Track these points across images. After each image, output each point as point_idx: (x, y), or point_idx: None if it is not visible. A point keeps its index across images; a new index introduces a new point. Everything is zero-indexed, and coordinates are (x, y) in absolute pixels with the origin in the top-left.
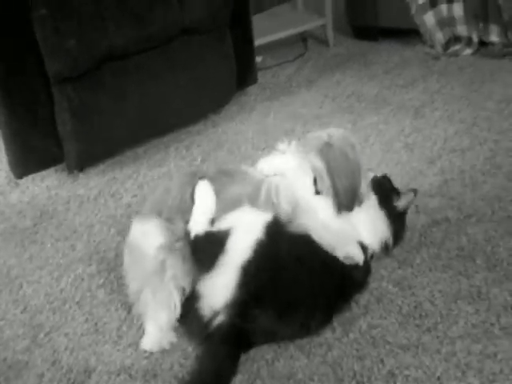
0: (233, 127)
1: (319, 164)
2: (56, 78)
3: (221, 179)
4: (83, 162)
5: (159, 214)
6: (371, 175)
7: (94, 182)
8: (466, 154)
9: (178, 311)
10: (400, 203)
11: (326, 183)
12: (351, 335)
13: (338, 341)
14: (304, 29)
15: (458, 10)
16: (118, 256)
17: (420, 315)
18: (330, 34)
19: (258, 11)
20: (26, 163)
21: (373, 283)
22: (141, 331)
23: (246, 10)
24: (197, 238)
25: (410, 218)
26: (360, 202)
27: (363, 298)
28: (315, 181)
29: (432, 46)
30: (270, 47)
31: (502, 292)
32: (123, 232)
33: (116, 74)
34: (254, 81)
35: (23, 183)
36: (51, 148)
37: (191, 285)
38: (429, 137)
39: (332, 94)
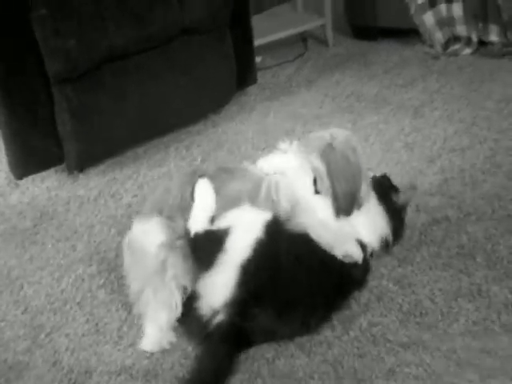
0: (233, 127)
1: (320, 165)
2: (56, 78)
3: (221, 177)
4: (83, 163)
5: (160, 213)
6: (371, 175)
7: (94, 182)
8: (465, 153)
9: (178, 311)
10: (399, 200)
11: (325, 184)
12: (351, 333)
13: (339, 339)
14: (304, 29)
15: (457, 9)
16: (119, 256)
17: (420, 313)
18: (330, 34)
19: (258, 11)
20: (26, 164)
21: (373, 281)
22: (141, 331)
23: (245, 10)
24: (196, 236)
25: (410, 216)
26: (359, 206)
27: (363, 296)
28: (315, 181)
29: (431, 46)
30: (269, 47)
31: (502, 290)
32: (124, 232)
33: (116, 74)
34: (254, 81)
35: (23, 184)
36: (51, 148)
37: (192, 283)
38: (428, 136)
39: (332, 94)
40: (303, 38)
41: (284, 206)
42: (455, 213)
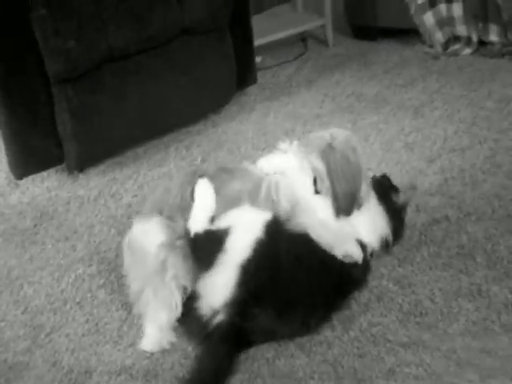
0: (233, 127)
1: (320, 165)
2: (56, 79)
3: (221, 177)
4: (83, 163)
5: (160, 213)
6: (370, 175)
7: (94, 182)
8: (465, 153)
9: (178, 311)
10: (399, 200)
11: (325, 184)
12: (351, 333)
13: (339, 339)
14: (304, 29)
15: (457, 9)
16: (119, 256)
17: (420, 313)
18: (330, 34)
19: (258, 11)
20: (26, 164)
21: (373, 281)
22: (141, 331)
23: (245, 10)
24: (196, 236)
25: (410, 216)
26: (359, 206)
27: (363, 296)
28: (315, 181)
29: (431, 46)
30: (269, 47)
31: (503, 290)
32: (124, 232)
33: (116, 74)
34: (254, 81)
35: (23, 184)
36: (51, 148)
37: (192, 283)
38: (428, 136)
39: (332, 94)
40: (303, 38)
41: (284, 206)
42: (455, 213)
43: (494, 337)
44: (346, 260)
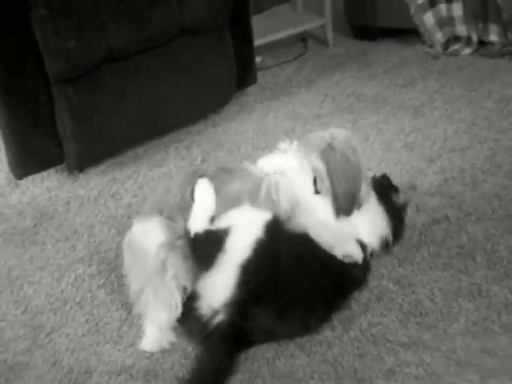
0: (233, 127)
1: (320, 165)
2: (56, 79)
3: (221, 177)
4: (83, 163)
5: (160, 213)
6: (371, 175)
7: (94, 182)
8: (465, 153)
9: (178, 311)
10: (399, 200)
11: (325, 184)
12: (351, 333)
13: (339, 339)
14: (304, 29)
15: (457, 9)
16: (119, 256)
17: (420, 313)
18: (330, 34)
19: (258, 11)
20: (26, 164)
21: (373, 281)
22: (141, 331)
23: (245, 10)
24: (196, 236)
25: (410, 216)
26: (359, 206)
27: (363, 296)
28: (315, 181)
29: (431, 46)
30: (269, 47)
31: (503, 289)
32: (124, 232)
33: (116, 74)
34: (254, 81)
35: (23, 184)
36: (51, 148)
37: (192, 283)
38: (428, 136)
39: (332, 94)
40: (303, 38)
41: (284, 205)
42: (455, 213)
43: (494, 337)
44: (346, 260)
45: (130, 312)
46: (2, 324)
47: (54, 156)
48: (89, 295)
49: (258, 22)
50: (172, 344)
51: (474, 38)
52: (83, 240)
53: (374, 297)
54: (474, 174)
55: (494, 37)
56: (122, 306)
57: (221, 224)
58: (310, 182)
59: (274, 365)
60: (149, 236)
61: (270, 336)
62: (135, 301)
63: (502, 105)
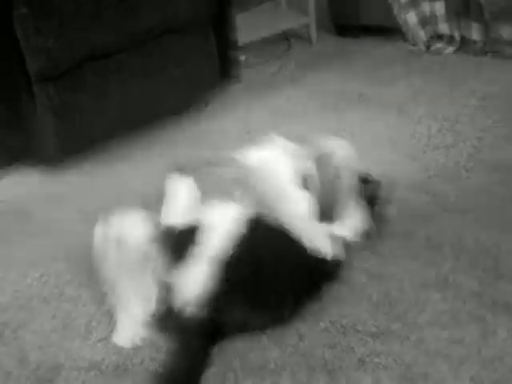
0: (216, 124)
1: (312, 171)
2: (37, 77)
3: (206, 168)
4: (63, 160)
5: (140, 207)
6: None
7: (71, 178)
8: (449, 150)
9: (154, 305)
10: (372, 192)
11: (315, 185)
12: (322, 324)
13: (310, 330)
14: (288, 27)
15: (439, 8)
16: (87, 252)
17: (389, 303)
18: (313, 32)
19: (242, 10)
20: (3, 160)
21: (343, 272)
22: (111, 326)
23: (229, 9)
24: (171, 229)
25: (383, 209)
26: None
27: (334, 287)
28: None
29: (414, 44)
30: (253, 46)
31: (469, 280)
32: (94, 228)
33: (97, 72)
34: (238, 80)
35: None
36: (29, 145)
37: (168, 277)
38: (412, 134)
39: (316, 92)
40: (287, 36)
41: (266, 196)
42: (437, 209)
43: (462, 326)
44: (319, 252)
45: (98, 307)
46: None
47: (32, 152)
48: (56, 291)
49: (242, 20)
50: (142, 339)
51: (457, 37)
52: (52, 236)
53: (344, 288)
54: (457, 171)
55: (476, 35)
56: (90, 300)
57: (195, 217)
58: (292, 175)
59: (246, 357)
60: (128, 229)
61: (243, 328)
62: (110, 294)
63: (485, 102)
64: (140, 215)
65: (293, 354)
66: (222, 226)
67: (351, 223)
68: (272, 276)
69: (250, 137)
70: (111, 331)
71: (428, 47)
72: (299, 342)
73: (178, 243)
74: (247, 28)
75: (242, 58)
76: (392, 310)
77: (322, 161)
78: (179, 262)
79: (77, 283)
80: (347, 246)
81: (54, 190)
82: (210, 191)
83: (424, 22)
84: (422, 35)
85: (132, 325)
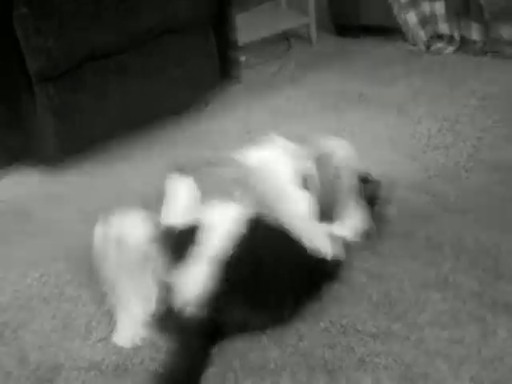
0: (216, 124)
1: (313, 171)
2: (37, 77)
3: (207, 168)
4: (63, 160)
5: (141, 207)
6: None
7: (71, 178)
8: (449, 150)
9: (154, 305)
10: (372, 192)
11: (315, 185)
12: (322, 324)
13: (309, 330)
14: (288, 27)
15: (439, 8)
16: (87, 252)
17: (389, 303)
18: (313, 32)
19: (242, 10)
20: (3, 160)
21: (343, 272)
22: (111, 326)
23: (229, 9)
24: (171, 229)
25: (383, 210)
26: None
27: (334, 287)
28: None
29: (414, 44)
30: (253, 46)
31: (469, 279)
32: (94, 228)
33: (97, 73)
34: (238, 79)
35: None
36: (29, 145)
37: (169, 277)
38: (412, 134)
39: (316, 92)
40: (287, 36)
41: (266, 195)
42: (437, 209)
43: (462, 326)
44: (319, 252)
45: (98, 307)
46: None
47: (32, 153)
48: (56, 291)
49: (242, 20)
50: (142, 339)
51: (457, 36)
52: (52, 236)
53: (344, 288)
54: (456, 171)
55: (476, 34)
56: (90, 300)
57: (195, 218)
58: (293, 175)
59: (246, 357)
60: (128, 229)
61: (243, 328)
62: (109, 292)
63: (485, 102)
64: (140, 215)
65: (293, 354)
66: (222, 225)
67: (351, 223)
68: (272, 276)
69: (250, 137)
70: (111, 331)
71: (428, 47)
72: (299, 342)
73: (178, 243)
74: (247, 28)
75: (242, 58)
76: (392, 310)
77: (321, 161)
78: (179, 262)
79: (77, 283)
80: (347, 245)
81: (53, 190)
82: (209, 191)
83: (424, 21)
84: (422, 35)
85: (132, 325)
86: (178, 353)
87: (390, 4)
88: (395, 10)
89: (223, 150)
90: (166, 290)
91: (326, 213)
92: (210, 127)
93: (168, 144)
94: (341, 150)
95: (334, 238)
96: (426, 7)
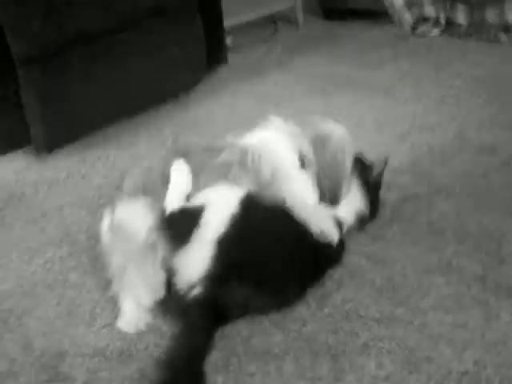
0: (203, 108)
1: (309, 153)
2: (22, 61)
3: (207, 152)
4: (51, 144)
5: (143, 193)
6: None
7: (62, 163)
8: (435, 130)
9: (161, 292)
10: (373, 175)
11: (311, 165)
12: (325, 310)
13: (313, 316)
14: (275, 10)
15: None
16: (90, 238)
17: (393, 288)
18: (300, 15)
19: None
20: None
21: (346, 258)
22: (115, 312)
23: None
24: (174, 214)
25: (381, 194)
26: (338, 201)
27: (337, 272)
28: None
29: (401, 27)
30: (240, 29)
31: (472, 263)
32: (95, 213)
33: (84, 56)
34: (225, 61)
35: None
36: (18, 130)
37: (171, 261)
38: (399, 115)
39: (303, 76)
40: (273, 20)
41: (266, 175)
42: (425, 190)
43: (466, 310)
44: (323, 237)
45: (103, 294)
46: None
47: (21, 138)
48: (60, 277)
49: (228, 2)
50: (147, 324)
51: (442, 19)
52: (53, 222)
53: (347, 273)
54: (443, 151)
55: (461, 18)
56: (95, 287)
57: (197, 200)
58: (293, 156)
59: (250, 342)
60: (136, 219)
61: (246, 311)
62: (117, 276)
63: (470, 84)
64: (143, 201)
65: (296, 339)
66: (224, 209)
67: (351, 206)
68: (275, 259)
69: (237, 120)
70: (115, 317)
71: (414, 29)
72: (302, 327)
73: (181, 227)
74: (234, 10)
75: (229, 39)
76: (395, 294)
77: (319, 143)
78: (182, 246)
79: (81, 270)
80: (349, 230)
81: (45, 176)
82: (211, 175)
83: (410, 4)
84: (408, 17)
85: (136, 310)
86: (181, 336)
87: None
88: None
89: (210, 134)
90: (169, 274)
91: (325, 195)
92: (197, 110)
93: (156, 127)
94: (337, 132)
95: (337, 221)
96: None
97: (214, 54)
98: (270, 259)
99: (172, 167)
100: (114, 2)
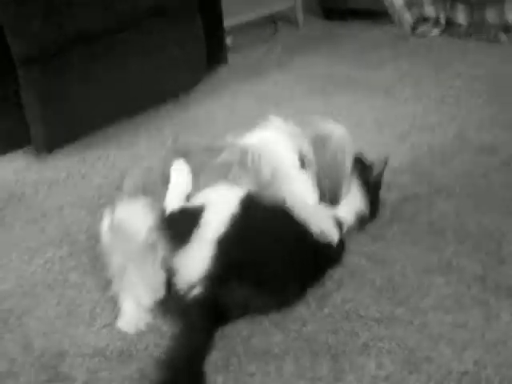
0: (203, 108)
1: (309, 153)
2: (22, 61)
3: (207, 152)
4: (51, 144)
5: (143, 193)
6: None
7: (63, 163)
8: (435, 130)
9: (161, 292)
10: (373, 175)
11: (311, 165)
12: (325, 310)
13: (313, 316)
14: (274, 10)
15: None
16: (90, 238)
17: (393, 288)
18: (300, 15)
19: None
20: None
21: (346, 258)
22: (115, 312)
23: None
24: (174, 214)
25: (381, 194)
26: (338, 202)
27: (337, 272)
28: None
29: (401, 27)
30: (240, 29)
31: (472, 263)
32: (95, 213)
33: (84, 56)
34: (225, 61)
35: None
36: (18, 130)
37: (171, 261)
38: (399, 115)
39: (303, 75)
40: (273, 20)
41: (266, 175)
42: (425, 190)
43: (466, 310)
44: (323, 237)
45: (103, 294)
46: None
47: (21, 138)
48: (60, 277)
49: (228, 2)
50: (147, 325)
51: (442, 19)
52: (53, 222)
53: (347, 273)
54: (443, 151)
55: (461, 18)
56: (95, 287)
57: (196, 200)
58: (293, 156)
59: (250, 342)
60: (136, 219)
61: (246, 311)
62: (117, 277)
63: (470, 84)
64: (143, 201)
65: (296, 339)
66: (224, 209)
67: (351, 206)
68: (275, 259)
69: (237, 120)
70: (115, 317)
71: (414, 30)
72: (302, 327)
73: (181, 227)
74: (234, 10)
75: (229, 39)
76: (395, 294)
77: (319, 143)
78: (182, 246)
79: (81, 270)
80: (349, 230)
81: (45, 176)
82: (211, 175)
83: (410, 4)
84: (408, 17)
85: (136, 310)
86: (181, 336)
87: None
88: None
89: (210, 134)
90: (170, 274)
91: (325, 195)
92: (197, 110)
93: (156, 127)
94: (337, 132)
95: (337, 221)
96: None
97: (214, 54)
98: (270, 259)
99: (172, 167)
100: (114, 2)
